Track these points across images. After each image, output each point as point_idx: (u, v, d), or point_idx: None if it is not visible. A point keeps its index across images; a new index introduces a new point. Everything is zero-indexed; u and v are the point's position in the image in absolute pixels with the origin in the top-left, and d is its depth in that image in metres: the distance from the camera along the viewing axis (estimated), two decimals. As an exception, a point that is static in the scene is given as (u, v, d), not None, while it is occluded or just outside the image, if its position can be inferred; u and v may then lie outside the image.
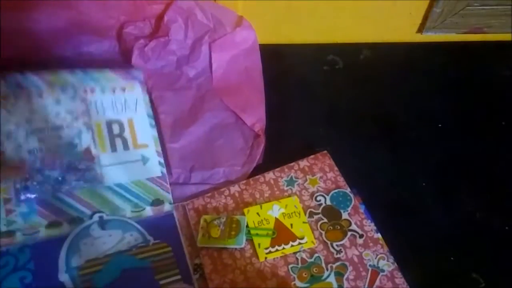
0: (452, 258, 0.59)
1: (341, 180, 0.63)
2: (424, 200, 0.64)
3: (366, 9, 0.78)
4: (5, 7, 0.66)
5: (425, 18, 0.79)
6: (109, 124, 0.64)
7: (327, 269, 0.55)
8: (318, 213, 0.60)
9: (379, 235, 0.58)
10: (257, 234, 0.58)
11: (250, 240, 0.58)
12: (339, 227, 0.59)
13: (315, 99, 0.76)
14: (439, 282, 0.58)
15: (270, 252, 0.57)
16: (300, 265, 0.56)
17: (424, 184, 0.66)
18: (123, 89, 0.67)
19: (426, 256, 0.59)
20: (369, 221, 0.59)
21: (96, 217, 0.58)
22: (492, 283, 0.57)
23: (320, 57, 0.82)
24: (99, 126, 0.63)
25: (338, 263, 0.56)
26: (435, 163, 0.68)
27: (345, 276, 0.55)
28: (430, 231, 0.61)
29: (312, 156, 0.65)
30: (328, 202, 0.61)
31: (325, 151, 0.66)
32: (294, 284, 0.55)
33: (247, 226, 0.58)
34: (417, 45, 0.84)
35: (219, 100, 0.73)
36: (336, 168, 0.64)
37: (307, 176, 0.63)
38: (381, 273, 0.55)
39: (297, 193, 0.62)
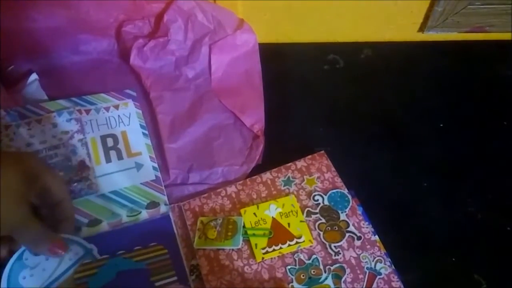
0: (453, 259, 0.58)
1: (338, 181, 0.62)
2: (424, 200, 0.64)
3: (367, 8, 0.78)
4: (5, 7, 0.66)
5: (427, 17, 0.78)
6: (103, 139, 0.66)
7: (325, 271, 0.55)
8: (316, 213, 0.59)
9: (376, 238, 0.57)
10: (254, 234, 0.57)
11: (247, 241, 0.57)
12: (337, 228, 0.58)
13: (316, 99, 0.75)
14: (440, 283, 0.57)
15: (267, 252, 0.56)
16: (297, 266, 0.55)
17: (425, 184, 0.65)
18: (117, 107, 0.69)
19: (427, 257, 0.58)
20: (367, 223, 0.58)
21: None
22: (494, 284, 0.56)
23: (320, 56, 0.82)
24: (94, 141, 0.65)
25: (336, 265, 0.55)
26: (435, 163, 0.67)
27: (343, 279, 0.54)
28: (430, 231, 0.61)
29: (309, 157, 0.65)
30: (326, 202, 0.60)
31: (322, 151, 0.65)
32: (292, 285, 0.54)
33: (244, 226, 0.58)
34: (418, 44, 0.83)
35: (218, 101, 0.72)
36: (333, 169, 0.63)
37: (305, 176, 0.63)
38: (378, 276, 0.54)
39: (295, 192, 0.61)
